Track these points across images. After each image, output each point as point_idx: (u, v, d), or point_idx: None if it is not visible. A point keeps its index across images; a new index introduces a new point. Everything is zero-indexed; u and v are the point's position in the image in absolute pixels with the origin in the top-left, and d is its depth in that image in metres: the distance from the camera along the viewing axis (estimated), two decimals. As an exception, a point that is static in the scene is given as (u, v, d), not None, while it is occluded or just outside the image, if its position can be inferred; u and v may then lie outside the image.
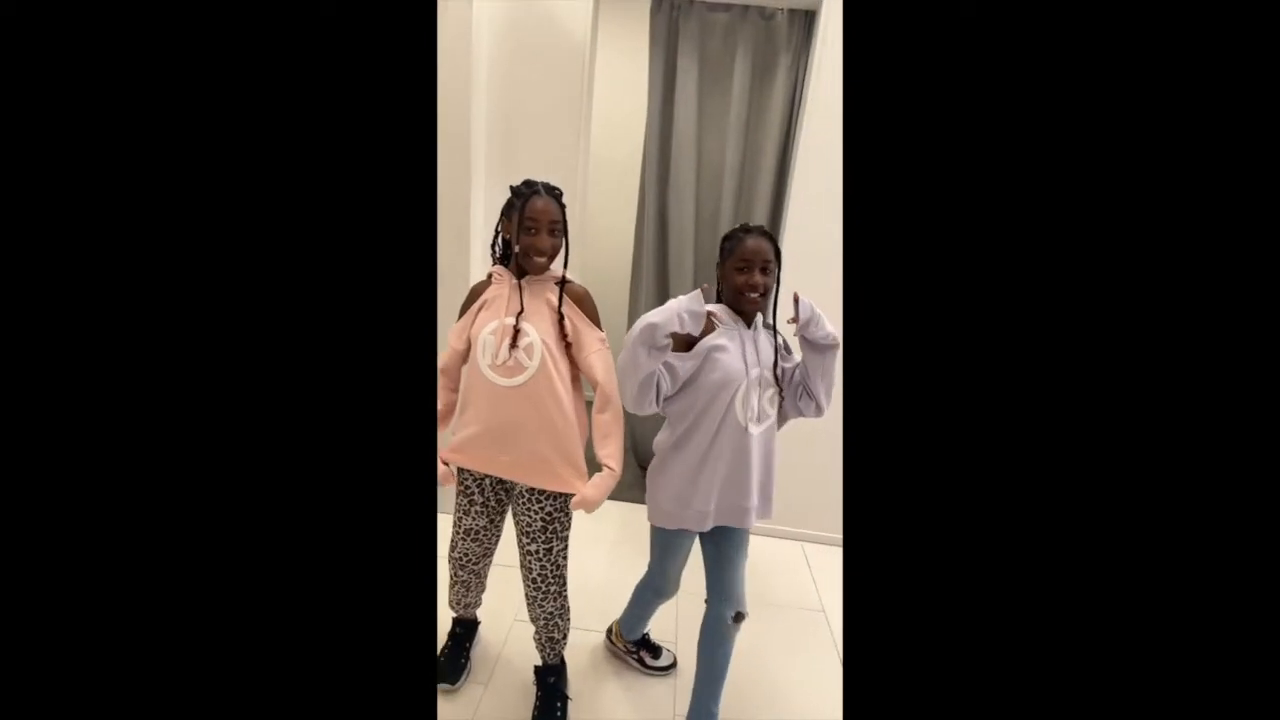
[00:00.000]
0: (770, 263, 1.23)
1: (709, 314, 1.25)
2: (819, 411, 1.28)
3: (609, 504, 2.09)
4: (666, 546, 1.39)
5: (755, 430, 1.25)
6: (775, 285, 1.26)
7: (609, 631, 1.71)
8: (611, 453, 1.23)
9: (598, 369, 1.24)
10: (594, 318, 1.26)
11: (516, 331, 1.18)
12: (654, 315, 1.10)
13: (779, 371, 1.26)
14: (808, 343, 1.22)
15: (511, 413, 1.21)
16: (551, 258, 1.22)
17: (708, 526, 1.29)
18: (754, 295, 1.22)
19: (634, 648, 1.65)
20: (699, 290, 1.12)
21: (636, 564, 2.04)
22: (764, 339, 1.28)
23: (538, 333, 1.19)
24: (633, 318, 2.47)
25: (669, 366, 1.20)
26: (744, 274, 1.22)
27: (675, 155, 2.24)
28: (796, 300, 1.18)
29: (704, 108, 2.22)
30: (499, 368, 1.19)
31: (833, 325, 1.21)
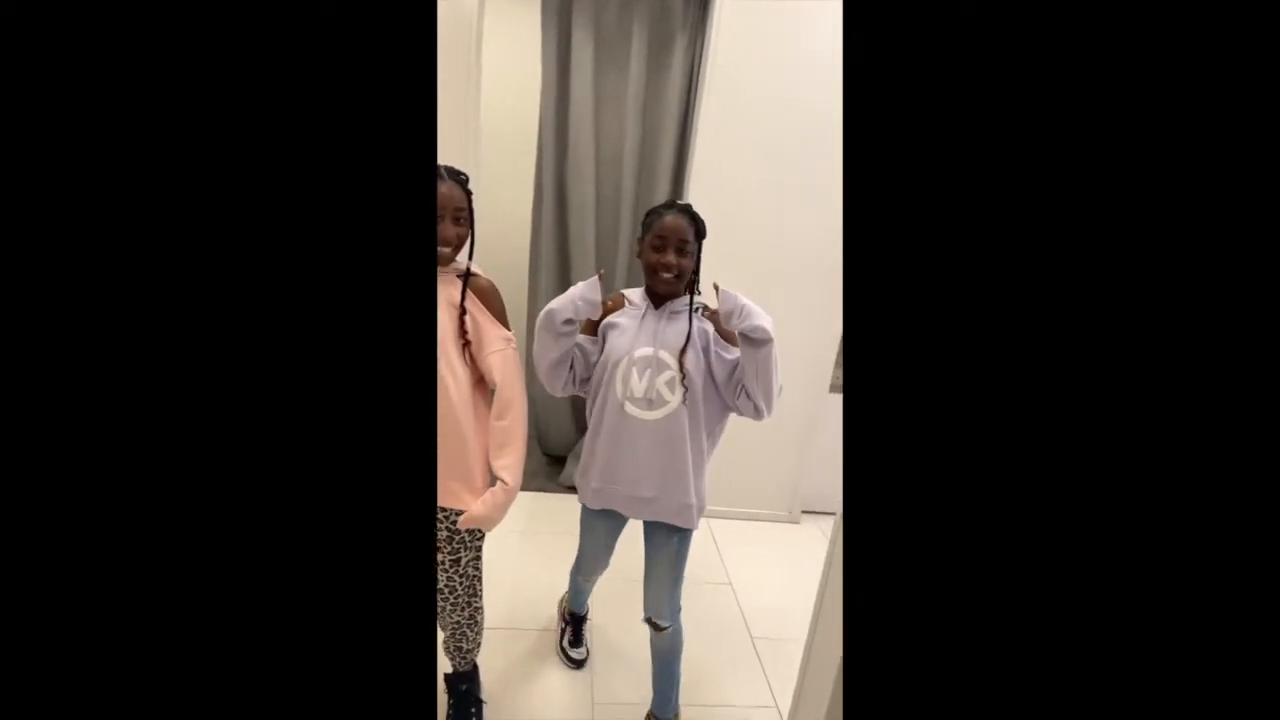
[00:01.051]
0: (688, 243, 1.17)
1: (622, 295, 1.28)
2: (757, 414, 1.19)
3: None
4: (583, 522, 1.42)
5: (641, 413, 1.20)
6: (695, 266, 1.20)
7: (563, 597, 1.72)
8: (507, 464, 1.13)
9: (497, 370, 1.14)
10: (500, 314, 1.18)
11: None
12: (553, 302, 1.17)
13: (686, 357, 1.18)
14: (742, 335, 1.13)
15: None
16: (456, 248, 1.11)
17: (597, 505, 1.32)
18: (666, 275, 1.17)
19: (565, 622, 1.66)
20: (596, 277, 1.17)
21: (546, 556, 2.01)
22: (675, 322, 1.21)
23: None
24: (532, 302, 2.38)
25: (582, 349, 1.25)
26: (658, 253, 1.18)
27: (573, 132, 2.16)
28: (717, 290, 1.12)
29: (601, 83, 2.14)
30: None
31: (766, 318, 1.10)
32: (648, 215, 1.23)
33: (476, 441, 1.15)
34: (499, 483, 1.13)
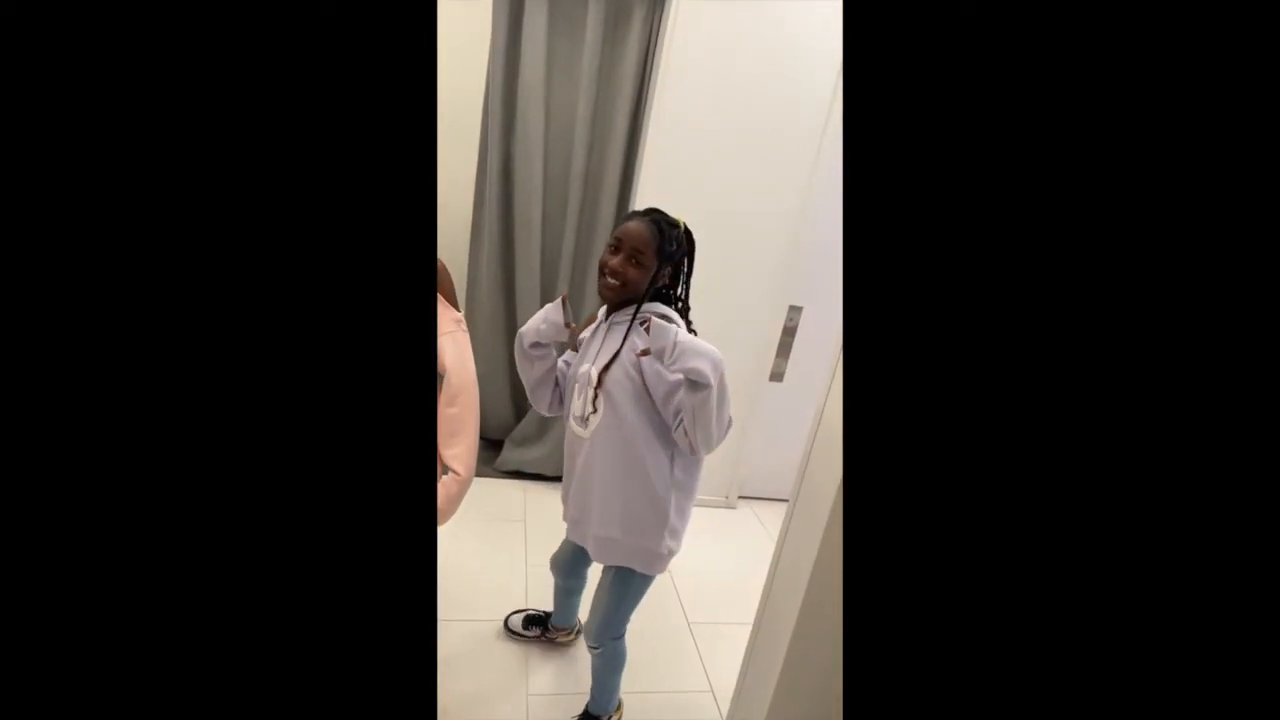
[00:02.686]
0: (643, 254, 1.08)
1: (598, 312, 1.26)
2: (691, 451, 1.10)
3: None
4: None
5: (578, 430, 1.17)
6: (654, 281, 1.11)
7: None
8: (458, 454, 1.06)
9: (448, 354, 1.06)
10: (449, 295, 1.09)
11: None
12: (523, 326, 1.17)
13: (609, 374, 1.10)
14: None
15: None
16: None
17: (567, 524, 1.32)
18: (611, 281, 1.10)
19: (544, 614, 1.66)
20: (560, 299, 1.15)
21: (480, 544, 1.93)
22: (614, 335, 1.12)
23: None
24: (472, 282, 2.28)
25: (569, 364, 1.25)
26: (607, 254, 1.11)
27: (522, 101, 2.05)
28: (648, 326, 1.01)
29: (554, 50, 2.04)
30: None
31: (707, 358, 0.96)
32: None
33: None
34: (450, 473, 1.06)
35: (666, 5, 1.97)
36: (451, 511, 1.07)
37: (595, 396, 1.10)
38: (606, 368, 1.09)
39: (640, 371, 1.08)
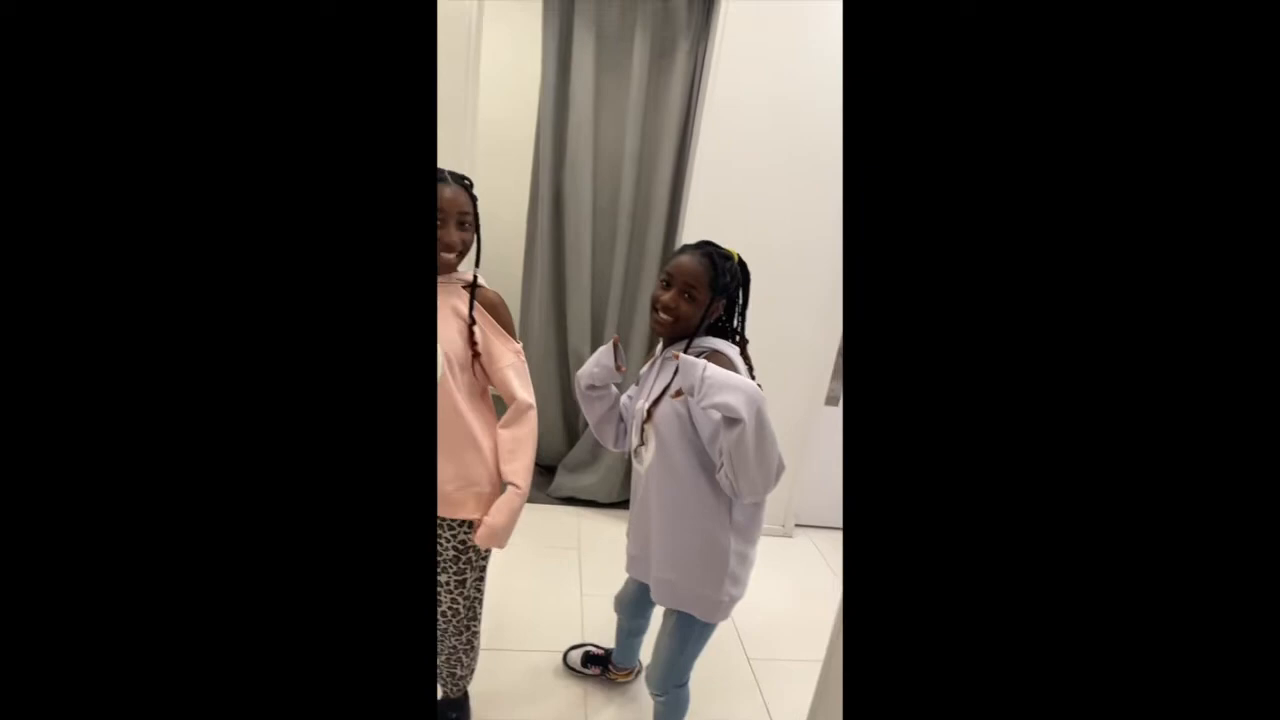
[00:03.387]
0: (694, 288, 1.05)
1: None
2: (736, 496, 1.03)
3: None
4: None
5: (638, 465, 1.17)
6: (707, 315, 1.07)
7: None
8: (516, 469, 1.11)
9: (514, 384, 1.11)
10: (508, 327, 1.13)
11: None
12: (580, 369, 1.22)
13: (657, 410, 1.08)
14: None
15: None
16: (461, 254, 1.07)
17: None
18: (661, 316, 1.08)
19: (605, 651, 1.62)
20: (611, 342, 1.19)
21: (535, 571, 1.94)
22: (665, 370, 1.09)
23: (439, 342, 1.05)
24: (526, 310, 2.33)
25: (625, 406, 1.28)
26: (659, 289, 1.10)
27: (571, 136, 2.11)
28: (676, 361, 0.96)
29: (601, 86, 2.10)
30: None
31: (739, 392, 0.90)
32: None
33: (489, 451, 1.13)
34: (510, 487, 1.11)
35: (710, 36, 1.99)
36: (513, 526, 1.10)
37: (642, 430, 1.10)
38: (656, 403, 1.09)
39: (688, 409, 1.05)
